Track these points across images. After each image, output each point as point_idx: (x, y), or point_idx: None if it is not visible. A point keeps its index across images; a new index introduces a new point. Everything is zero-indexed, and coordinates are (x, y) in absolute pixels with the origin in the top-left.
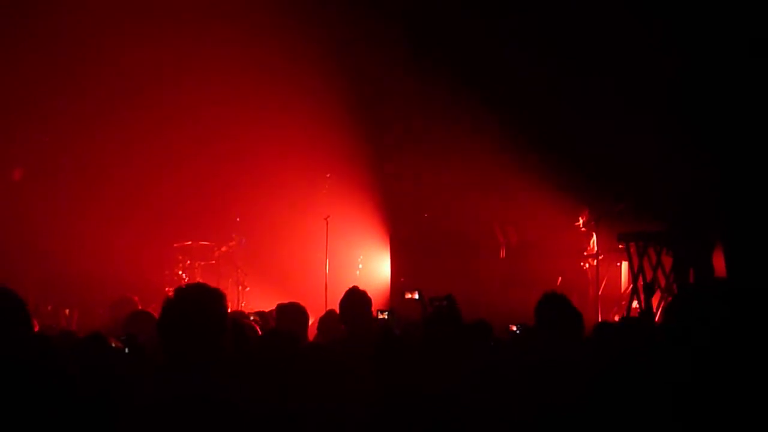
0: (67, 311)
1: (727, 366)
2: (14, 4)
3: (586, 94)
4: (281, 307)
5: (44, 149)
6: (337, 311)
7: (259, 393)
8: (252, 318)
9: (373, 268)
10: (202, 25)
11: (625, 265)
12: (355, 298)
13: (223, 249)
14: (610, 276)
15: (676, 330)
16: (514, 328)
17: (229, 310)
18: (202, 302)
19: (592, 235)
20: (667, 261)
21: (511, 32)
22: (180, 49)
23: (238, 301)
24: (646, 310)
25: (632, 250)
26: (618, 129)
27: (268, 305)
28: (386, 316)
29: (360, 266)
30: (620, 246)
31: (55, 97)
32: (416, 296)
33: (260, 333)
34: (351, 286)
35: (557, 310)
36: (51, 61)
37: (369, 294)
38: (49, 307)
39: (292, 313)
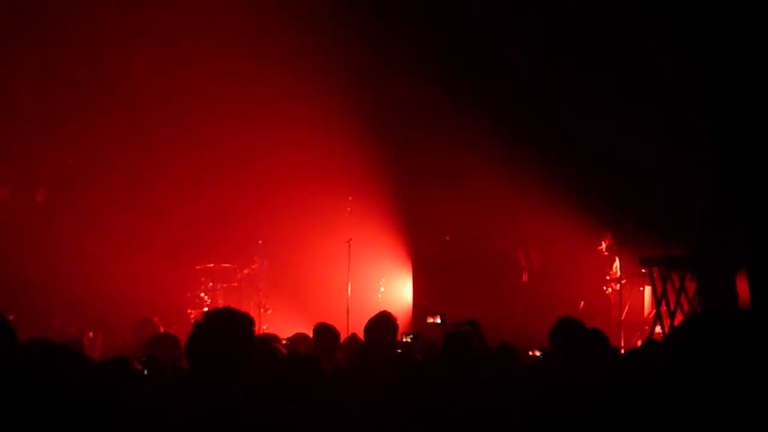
0: (91, 334)
1: (731, 390)
2: (40, 31)
3: (608, 118)
4: (317, 328)
5: (67, 172)
6: (359, 335)
7: (271, 404)
8: (284, 343)
9: (396, 291)
10: (226, 49)
11: (648, 289)
12: (381, 322)
13: (245, 271)
14: (633, 300)
15: (678, 353)
16: (538, 353)
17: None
18: (231, 326)
19: (615, 260)
20: (691, 286)
21: (530, 55)
22: (203, 73)
23: (260, 323)
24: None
25: (655, 274)
26: (641, 148)
27: (290, 328)
28: (410, 340)
29: (382, 289)
30: (643, 270)
31: (79, 120)
32: (438, 320)
33: None
34: (375, 309)
35: (572, 334)
36: (76, 84)
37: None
38: (74, 330)
39: (326, 333)
